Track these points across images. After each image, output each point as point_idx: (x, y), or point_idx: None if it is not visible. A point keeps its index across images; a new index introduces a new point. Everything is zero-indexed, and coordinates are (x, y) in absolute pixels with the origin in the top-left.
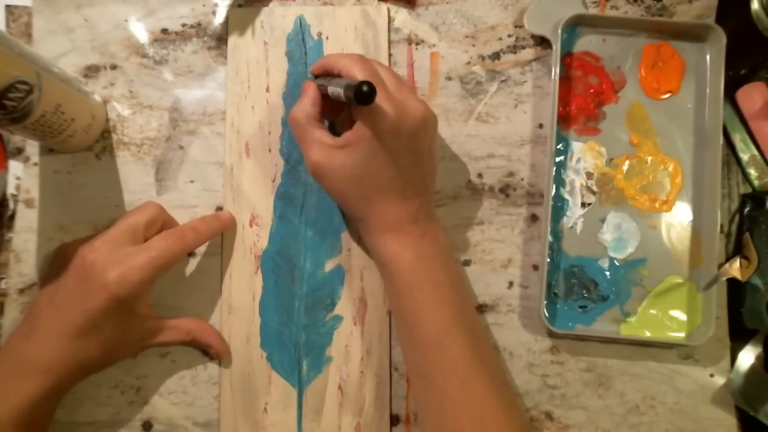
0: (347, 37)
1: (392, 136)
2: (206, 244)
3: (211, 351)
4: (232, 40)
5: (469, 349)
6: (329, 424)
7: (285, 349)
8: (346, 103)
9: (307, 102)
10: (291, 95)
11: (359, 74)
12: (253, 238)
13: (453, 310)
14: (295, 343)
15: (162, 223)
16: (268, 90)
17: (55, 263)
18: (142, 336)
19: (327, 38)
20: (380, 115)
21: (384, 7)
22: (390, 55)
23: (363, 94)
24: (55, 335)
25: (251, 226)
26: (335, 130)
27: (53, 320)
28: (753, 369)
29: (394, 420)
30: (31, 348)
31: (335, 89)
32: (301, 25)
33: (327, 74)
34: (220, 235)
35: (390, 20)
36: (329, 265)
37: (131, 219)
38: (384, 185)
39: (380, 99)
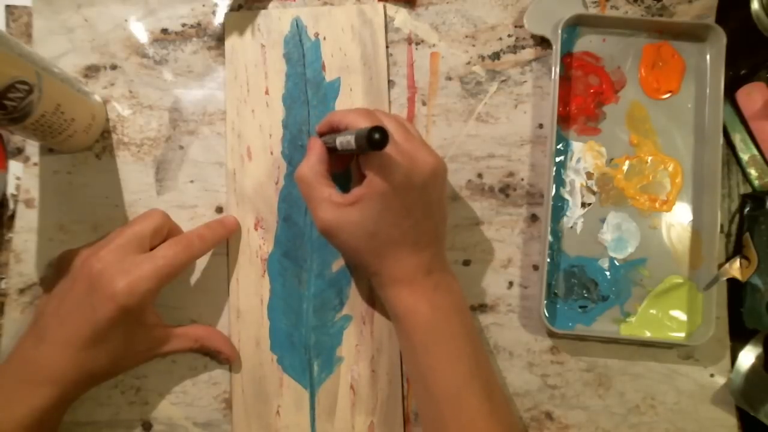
0: (344, 37)
1: (403, 189)
2: None
3: (220, 357)
4: (230, 44)
5: (486, 402)
6: (343, 424)
7: (295, 351)
8: (355, 156)
9: (314, 159)
10: (290, 97)
11: (367, 125)
12: (258, 242)
13: (470, 363)
14: (305, 344)
15: (167, 230)
16: (267, 93)
17: (61, 271)
18: (150, 345)
19: (324, 38)
20: (391, 168)
21: (380, 5)
22: (389, 54)
23: (375, 140)
24: (64, 346)
25: (256, 229)
26: (342, 184)
27: (61, 330)
28: (753, 369)
29: None
30: (39, 358)
31: (345, 139)
32: (298, 27)
33: (333, 131)
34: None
35: (387, 18)
36: (336, 266)
37: (137, 228)
38: (397, 239)
39: (390, 152)
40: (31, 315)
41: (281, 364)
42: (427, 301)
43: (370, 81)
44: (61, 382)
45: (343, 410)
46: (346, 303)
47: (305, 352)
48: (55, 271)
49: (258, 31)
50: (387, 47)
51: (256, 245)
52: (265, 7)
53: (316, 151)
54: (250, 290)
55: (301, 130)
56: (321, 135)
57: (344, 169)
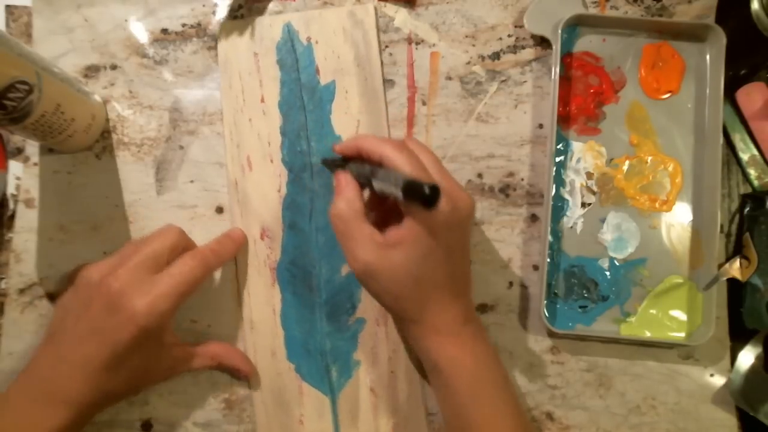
0: (336, 39)
1: (446, 229)
2: None
3: (239, 374)
4: (222, 54)
5: None
6: (367, 427)
7: (312, 359)
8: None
9: (351, 194)
10: (286, 103)
11: (406, 166)
12: (265, 251)
13: (514, 416)
14: (321, 351)
15: (183, 247)
16: (263, 101)
17: (77, 289)
18: (169, 365)
19: (316, 42)
20: (436, 210)
21: (370, 5)
22: (389, 54)
23: (428, 199)
24: (83, 366)
25: (262, 239)
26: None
27: (80, 351)
28: (753, 369)
29: None
30: (57, 378)
31: (387, 187)
32: (289, 32)
33: (360, 158)
34: None
35: (378, 17)
36: (345, 270)
37: (156, 245)
38: (441, 284)
39: None
40: (29, 314)
41: (299, 373)
42: (471, 352)
43: (365, 82)
44: (79, 403)
45: (366, 413)
46: (358, 306)
47: (322, 358)
48: (73, 288)
49: (250, 39)
50: (380, 47)
51: (264, 255)
52: (264, 8)
53: (351, 187)
54: (261, 301)
55: (300, 135)
56: (344, 159)
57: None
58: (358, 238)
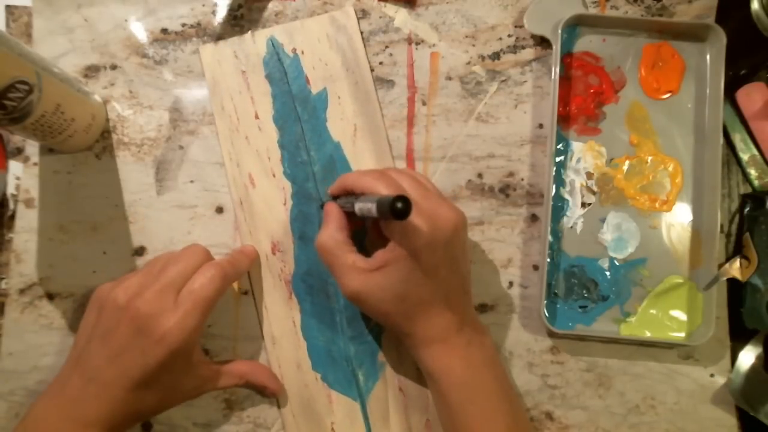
0: (322, 47)
1: (428, 250)
2: None
3: (266, 392)
4: (210, 77)
5: None
6: (399, 427)
7: (337, 366)
8: (376, 218)
9: (334, 226)
10: (281, 117)
11: (384, 190)
12: (279, 265)
13: (507, 421)
14: (346, 356)
15: None
16: (257, 117)
17: (103, 311)
18: (197, 384)
19: (302, 52)
20: (414, 231)
21: (350, 9)
22: (369, 53)
23: (399, 210)
24: (112, 388)
25: (274, 253)
26: (361, 243)
27: (108, 373)
28: (753, 369)
29: None
30: (88, 398)
31: (365, 205)
32: (274, 46)
33: (347, 194)
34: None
35: (358, 19)
36: None
37: (182, 266)
38: (426, 299)
39: (412, 215)
40: (29, 314)
41: (326, 381)
42: (461, 359)
43: (356, 85)
44: (109, 422)
45: (397, 413)
46: None
47: (347, 364)
48: (98, 309)
49: (236, 58)
50: (366, 48)
51: (277, 269)
52: (264, 7)
53: (334, 217)
54: (280, 315)
55: (298, 146)
56: (334, 197)
57: (362, 227)
58: (343, 267)
